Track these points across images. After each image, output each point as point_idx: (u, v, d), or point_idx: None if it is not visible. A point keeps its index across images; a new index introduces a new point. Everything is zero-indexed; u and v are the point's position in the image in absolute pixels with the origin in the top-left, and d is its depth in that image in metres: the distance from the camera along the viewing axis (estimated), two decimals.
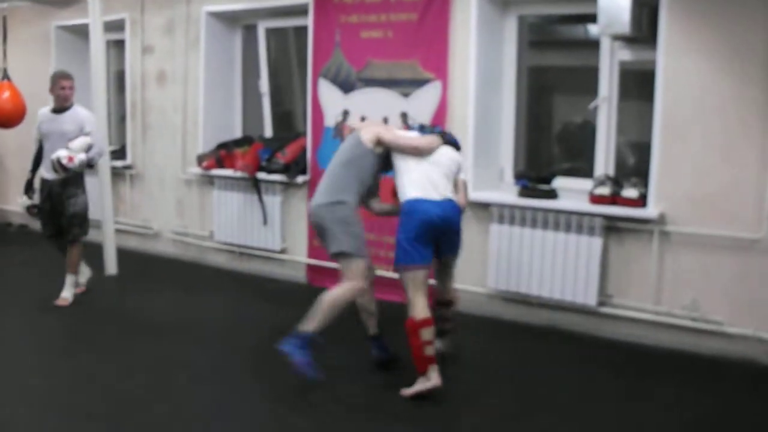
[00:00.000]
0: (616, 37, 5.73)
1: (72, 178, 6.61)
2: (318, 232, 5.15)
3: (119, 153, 8.95)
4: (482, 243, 6.38)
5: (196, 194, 8.31)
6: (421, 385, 4.76)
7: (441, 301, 5.37)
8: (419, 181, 4.95)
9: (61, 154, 6.31)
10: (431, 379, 4.75)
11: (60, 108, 6.67)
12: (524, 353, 5.68)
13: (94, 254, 8.03)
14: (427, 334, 4.77)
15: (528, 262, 6.10)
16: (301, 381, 4.75)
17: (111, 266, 7.86)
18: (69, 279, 6.79)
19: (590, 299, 5.85)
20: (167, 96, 8.48)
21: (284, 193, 7.55)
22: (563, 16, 6.69)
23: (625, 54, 5.99)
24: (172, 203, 8.59)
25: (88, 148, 6.44)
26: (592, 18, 5.59)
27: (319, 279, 7.23)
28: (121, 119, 9.25)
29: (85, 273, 7.17)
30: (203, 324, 6.19)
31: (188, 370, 5.28)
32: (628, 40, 5.79)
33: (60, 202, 6.67)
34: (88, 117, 6.71)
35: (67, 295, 6.74)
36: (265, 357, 5.35)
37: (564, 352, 5.68)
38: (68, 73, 6.88)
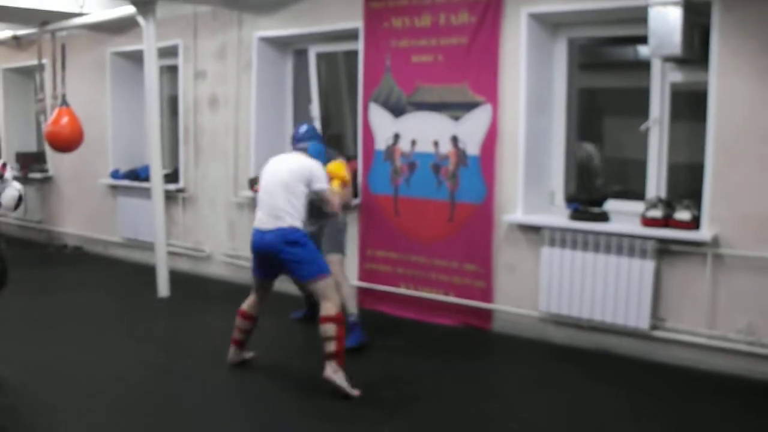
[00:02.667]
0: (667, 59, 5.69)
1: None
2: None
3: (172, 176, 9.08)
4: (533, 266, 6.35)
5: (248, 217, 8.38)
6: None
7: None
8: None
9: None
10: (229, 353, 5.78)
11: None
12: (575, 377, 5.63)
13: (146, 276, 8.16)
14: (238, 321, 5.70)
15: (579, 285, 6.06)
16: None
17: (163, 288, 7.96)
18: None
19: (642, 323, 5.79)
20: (219, 120, 8.59)
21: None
22: (613, 38, 6.67)
23: (677, 75, 5.95)
24: (223, 226, 8.69)
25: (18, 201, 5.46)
26: (642, 39, 5.57)
27: (371, 302, 7.26)
28: (174, 143, 9.39)
29: None
30: (251, 346, 6.24)
31: (238, 394, 5.34)
32: (680, 62, 5.75)
33: None
34: None
35: None
36: (315, 380, 5.40)
37: (616, 376, 5.62)
38: None
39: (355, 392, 5.13)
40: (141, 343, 6.40)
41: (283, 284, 7.28)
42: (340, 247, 6.26)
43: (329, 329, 5.22)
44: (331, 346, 5.20)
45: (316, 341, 5.38)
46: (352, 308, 6.09)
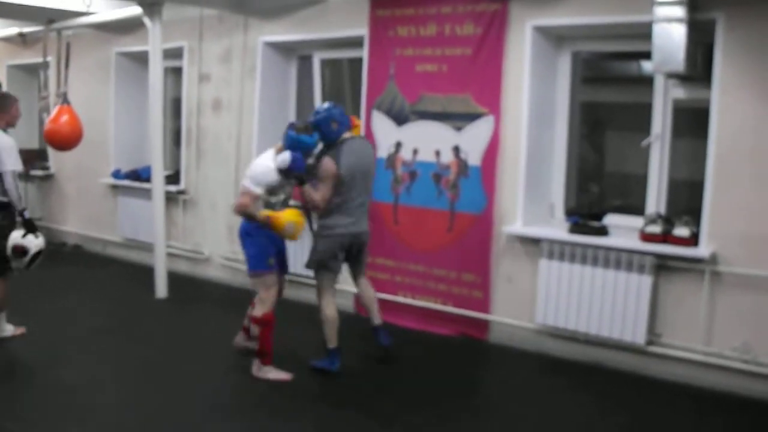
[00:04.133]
0: (671, 75, 5.71)
1: None
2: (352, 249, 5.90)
3: (173, 178, 9.09)
4: (531, 278, 6.37)
5: None
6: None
7: None
8: None
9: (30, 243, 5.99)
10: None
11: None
12: (569, 390, 5.64)
13: (144, 277, 8.15)
14: (249, 308, 5.89)
15: (577, 298, 6.07)
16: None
17: (161, 289, 7.97)
18: None
19: (639, 338, 5.80)
20: (222, 123, 8.61)
21: None
22: (617, 53, 6.70)
23: (679, 92, 5.97)
24: (223, 229, 8.69)
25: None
26: (646, 55, 5.59)
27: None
28: (176, 145, 9.41)
29: None
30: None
31: (233, 394, 5.35)
32: (682, 79, 5.77)
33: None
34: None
35: None
36: (306, 388, 5.43)
37: (610, 390, 5.62)
38: None
39: (285, 376, 5.60)
40: (138, 343, 6.41)
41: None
42: (310, 263, 5.86)
43: (254, 330, 5.66)
44: (255, 345, 5.69)
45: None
46: (331, 341, 5.74)
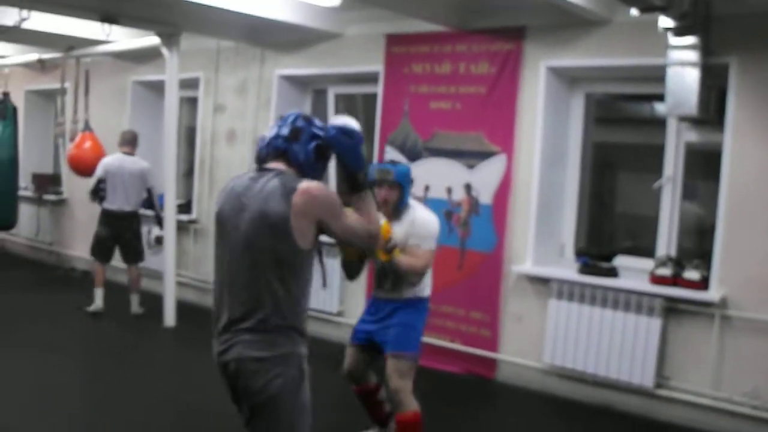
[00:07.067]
0: (683, 118, 5.72)
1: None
2: None
3: (185, 207, 9.13)
4: (540, 318, 6.35)
5: None
6: None
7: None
8: None
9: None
10: None
11: None
12: None
13: (153, 305, 8.15)
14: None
15: (585, 339, 6.04)
16: None
17: (170, 318, 7.97)
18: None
19: (647, 380, 5.76)
20: (235, 154, 8.66)
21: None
22: (630, 95, 6.72)
23: (692, 135, 5.98)
24: None
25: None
26: (659, 97, 5.61)
27: None
28: (189, 174, 9.47)
29: None
30: None
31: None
32: (695, 122, 5.78)
33: None
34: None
35: None
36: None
37: None
38: None
39: None
40: (146, 372, 6.40)
41: None
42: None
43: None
44: None
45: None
46: None
